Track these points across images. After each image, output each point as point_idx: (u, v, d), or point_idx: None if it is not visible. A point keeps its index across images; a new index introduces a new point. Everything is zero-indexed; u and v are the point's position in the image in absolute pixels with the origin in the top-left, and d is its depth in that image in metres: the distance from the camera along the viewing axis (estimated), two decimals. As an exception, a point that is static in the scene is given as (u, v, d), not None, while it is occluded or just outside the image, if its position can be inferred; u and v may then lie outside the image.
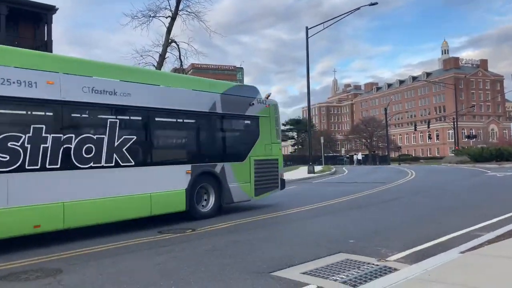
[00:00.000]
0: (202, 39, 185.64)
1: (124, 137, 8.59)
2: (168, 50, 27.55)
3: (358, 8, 28.25)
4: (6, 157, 6.93)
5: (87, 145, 7.96)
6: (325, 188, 19.31)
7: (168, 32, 27.16)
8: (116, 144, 8.44)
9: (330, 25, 29.27)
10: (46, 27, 25.83)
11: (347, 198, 14.10)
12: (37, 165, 7.27)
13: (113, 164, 8.35)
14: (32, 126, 7.26)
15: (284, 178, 12.84)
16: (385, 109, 68.99)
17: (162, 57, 27.01)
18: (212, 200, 10.50)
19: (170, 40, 27.43)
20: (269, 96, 12.65)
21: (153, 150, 9.33)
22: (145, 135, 9.20)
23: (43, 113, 7.56)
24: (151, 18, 27.34)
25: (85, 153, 7.91)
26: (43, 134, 7.39)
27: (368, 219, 9.82)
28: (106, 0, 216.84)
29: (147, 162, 9.12)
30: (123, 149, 8.56)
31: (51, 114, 7.60)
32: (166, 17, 27.45)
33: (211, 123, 10.76)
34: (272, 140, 12.15)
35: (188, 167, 9.90)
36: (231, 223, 9.41)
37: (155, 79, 9.74)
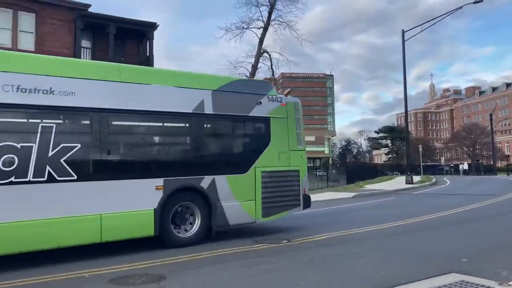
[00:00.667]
0: (292, 48, 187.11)
1: (62, 145, 6.97)
2: (260, 60, 28.06)
3: (461, 7, 26.38)
4: None
5: (8, 156, 6.51)
6: (427, 199, 18.13)
7: (260, 42, 27.67)
8: (50, 153, 6.85)
9: (428, 26, 27.74)
10: (148, 43, 27.63)
11: (454, 211, 13.04)
12: None
13: (44, 179, 6.74)
14: None
15: (308, 194, 10.10)
16: (490, 115, 63.79)
17: (255, 67, 27.56)
18: (197, 222, 8.42)
19: (262, 51, 27.93)
20: (289, 92, 10.94)
21: (105, 161, 7.47)
22: (93, 143, 7.38)
23: None
24: (244, 30, 28.11)
25: (3, 165, 6.46)
26: None
27: (481, 235, 8.93)
28: (201, 16, 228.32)
29: (95, 176, 7.27)
30: (60, 160, 6.93)
31: None
32: (259, 28, 28.04)
33: (195, 126, 8.62)
34: (291, 147, 9.77)
35: (158, 181, 7.89)
36: (323, 236, 9.06)
37: (114, 74, 7.82)
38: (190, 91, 8.59)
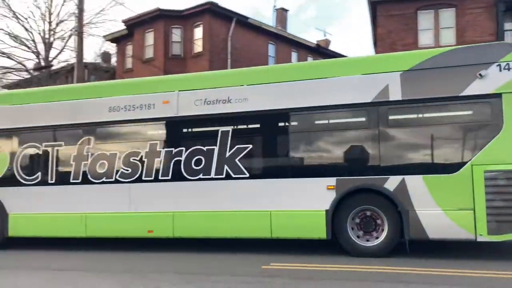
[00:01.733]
0: None
1: (237, 147, 8.01)
2: None
3: None
4: (128, 170, 8.72)
5: (197, 157, 8.27)
6: None
7: None
8: (228, 154, 8.07)
9: None
10: None
11: None
12: (152, 177, 8.54)
13: (223, 176, 8.04)
14: (149, 142, 8.69)
15: None
16: None
17: None
18: (385, 231, 7.28)
19: None
20: None
21: (273, 160, 8.02)
22: (265, 143, 8.02)
23: (159, 130, 8.72)
24: None
25: (195, 165, 8.25)
26: (157, 149, 8.61)
27: None
28: None
29: (265, 174, 7.90)
30: (235, 160, 7.97)
31: (165, 131, 8.68)
32: None
33: (375, 117, 7.42)
34: None
35: (329, 181, 7.43)
36: None
37: (279, 75, 8.13)
38: (370, 77, 7.59)
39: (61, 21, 26.56)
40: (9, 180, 9.60)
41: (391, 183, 7.25)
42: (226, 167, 8.14)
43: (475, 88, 7.07)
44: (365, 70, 7.73)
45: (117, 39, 28.52)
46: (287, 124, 8.00)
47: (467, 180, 6.93)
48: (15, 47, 26.45)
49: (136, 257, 8.36)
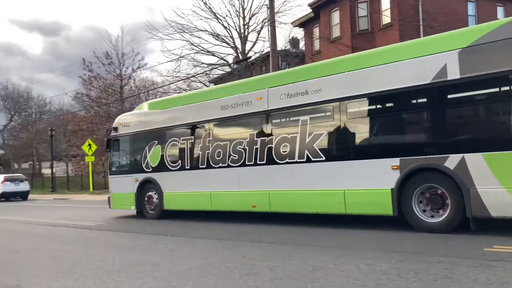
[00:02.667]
0: None
1: (314, 133, 9.05)
2: None
3: None
4: (236, 156, 10.42)
5: (283, 144, 9.61)
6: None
7: None
8: (307, 140, 9.13)
9: None
10: None
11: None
12: (252, 162, 10.15)
13: (304, 160, 9.16)
14: (249, 133, 10.32)
15: None
16: None
17: None
18: (449, 208, 7.48)
19: None
20: None
21: (344, 143, 8.88)
22: (337, 128, 8.85)
23: (255, 122, 10.32)
24: None
25: (282, 150, 9.57)
26: (255, 138, 10.18)
27: None
28: None
29: (338, 157, 8.82)
30: (313, 145, 9.02)
31: (258, 122, 10.23)
32: None
33: (433, 98, 7.56)
34: None
35: (394, 161, 7.91)
36: None
37: (345, 65, 8.91)
38: (426, 59, 7.69)
39: (253, 15, 28.63)
40: (162, 167, 12.26)
41: (451, 161, 7.31)
42: (306, 151, 9.20)
43: None
44: (424, 52, 7.82)
45: (304, 23, 29.29)
46: (355, 110, 8.66)
47: None
48: (217, 45, 29.61)
49: (337, 234, 8.54)
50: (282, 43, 30.43)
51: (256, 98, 10.20)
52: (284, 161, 9.59)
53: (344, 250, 6.84)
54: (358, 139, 8.77)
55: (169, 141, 12.16)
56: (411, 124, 8.34)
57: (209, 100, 11.44)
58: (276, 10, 22.32)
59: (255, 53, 29.32)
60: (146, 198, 12.76)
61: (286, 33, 44.12)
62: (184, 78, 28.38)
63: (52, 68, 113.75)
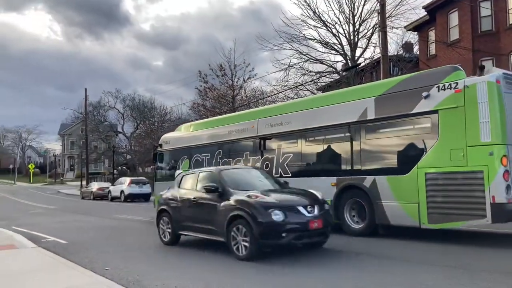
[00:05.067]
0: None
1: (285, 155, 11.79)
2: None
3: None
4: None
5: (266, 162, 12.26)
6: None
7: None
8: (280, 160, 11.86)
9: None
10: None
11: None
12: None
13: (278, 175, 11.40)
14: (244, 152, 13.10)
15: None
16: None
17: None
18: (367, 217, 9.68)
19: None
20: (482, 69, 8.16)
21: (301, 165, 11.40)
22: (298, 152, 11.49)
23: (248, 144, 13.03)
24: None
25: (265, 167, 12.23)
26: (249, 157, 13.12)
27: None
28: None
29: (298, 174, 11.28)
30: (284, 164, 11.70)
31: (251, 144, 12.91)
32: None
33: (358, 132, 10.10)
34: (470, 142, 7.92)
35: (333, 179, 10.42)
36: None
37: (308, 104, 11.82)
38: (356, 102, 10.13)
39: (363, 21, 27.95)
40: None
41: (367, 181, 9.64)
42: (280, 169, 11.88)
43: (421, 106, 8.78)
44: (355, 97, 10.37)
45: (418, 27, 27.81)
46: (310, 139, 11.36)
47: (414, 180, 8.69)
48: (326, 52, 29.45)
49: (457, 251, 7.87)
50: (394, 48, 29.27)
51: (251, 126, 13.11)
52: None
53: (460, 270, 6.32)
54: (311, 161, 11.44)
55: (194, 156, 15.22)
56: (344, 151, 10.55)
57: (219, 126, 14.72)
58: (387, 15, 21.53)
59: (365, 59, 28.59)
60: None
61: (398, 38, 42.28)
62: (292, 87, 28.70)
63: (172, 80, 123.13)
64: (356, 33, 28.17)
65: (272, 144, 12.29)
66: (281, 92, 29.64)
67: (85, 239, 11.35)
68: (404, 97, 9.17)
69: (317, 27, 28.37)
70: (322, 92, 31.64)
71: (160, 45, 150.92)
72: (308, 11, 28.04)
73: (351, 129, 10.24)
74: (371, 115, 9.75)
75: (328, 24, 28.06)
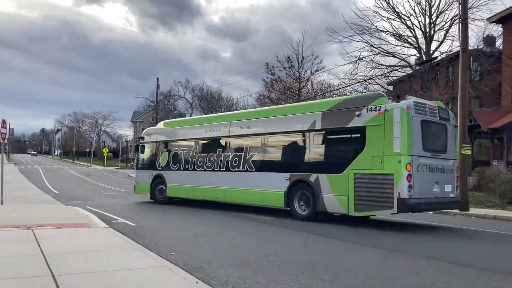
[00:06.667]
0: None
1: (251, 153, 14.26)
2: None
3: None
4: (209, 164, 15.67)
5: (235, 158, 14.78)
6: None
7: None
8: (247, 157, 14.36)
9: None
10: None
11: None
12: (218, 168, 15.39)
13: (245, 170, 14.36)
14: (217, 149, 15.48)
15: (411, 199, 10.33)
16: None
17: None
18: (311, 206, 12.30)
19: None
20: (399, 98, 11.00)
21: (263, 162, 13.95)
22: (260, 151, 14.07)
23: (221, 142, 15.49)
24: None
25: (234, 162, 14.73)
26: (221, 153, 15.39)
27: None
28: None
29: (260, 169, 13.93)
30: (249, 160, 14.23)
31: (224, 142, 15.41)
32: None
33: (308, 138, 12.71)
34: (386, 152, 10.69)
35: (287, 175, 12.95)
36: None
37: (271, 113, 14.80)
38: (308, 114, 12.85)
39: (441, 12, 26.44)
40: (167, 167, 17.40)
41: (313, 177, 12.26)
42: (246, 164, 14.29)
43: (354, 122, 11.51)
44: (307, 110, 13.14)
45: (503, 18, 25.77)
46: (270, 141, 13.85)
47: (346, 178, 11.41)
48: (399, 45, 28.22)
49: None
50: (473, 42, 27.38)
51: (224, 127, 15.44)
52: (234, 170, 14.69)
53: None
54: (271, 159, 13.93)
55: (173, 149, 17.34)
56: (297, 152, 13.14)
57: (197, 125, 17.15)
58: (469, 6, 20.12)
59: (441, 53, 27.09)
60: (158, 189, 17.66)
61: (479, 31, 39.50)
62: (362, 80, 27.84)
63: (239, 71, 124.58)
64: (432, 25, 26.74)
65: (241, 143, 14.73)
66: (349, 86, 28.88)
67: (152, 222, 11.76)
68: (343, 114, 11.83)
69: (390, 18, 27.31)
70: (393, 87, 30.41)
71: (229, 37, 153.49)
72: (382, 2, 27.04)
73: (303, 135, 12.94)
74: (318, 126, 12.46)
75: (402, 16, 26.91)
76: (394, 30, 27.40)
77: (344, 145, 11.88)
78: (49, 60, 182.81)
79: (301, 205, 12.63)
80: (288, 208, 12.94)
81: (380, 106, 10.96)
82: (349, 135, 11.66)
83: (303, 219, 12.27)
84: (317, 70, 36.41)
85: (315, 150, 12.47)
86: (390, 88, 30.84)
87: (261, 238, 9.64)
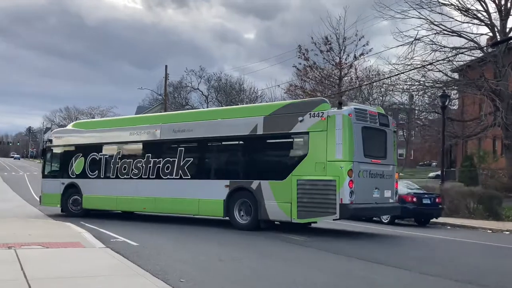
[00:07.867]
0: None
1: (186, 159, 15.56)
2: None
3: None
4: (136, 171, 16.87)
5: (167, 165, 16.06)
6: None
7: None
8: (181, 163, 15.63)
9: None
10: None
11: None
12: (146, 176, 16.66)
13: (179, 177, 15.66)
14: (146, 154, 16.77)
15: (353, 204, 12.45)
16: None
17: None
18: (252, 214, 13.90)
19: None
20: (341, 104, 13.13)
21: (200, 168, 15.66)
22: (196, 157, 15.69)
23: (150, 147, 16.86)
24: None
25: (166, 169, 16.05)
26: (150, 159, 16.71)
27: None
28: None
29: (196, 176, 15.37)
30: (184, 167, 15.54)
31: (153, 147, 16.81)
32: None
33: (249, 144, 14.62)
34: (329, 158, 12.63)
35: (226, 182, 14.41)
36: None
37: (209, 116, 16.78)
38: (250, 119, 14.57)
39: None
40: (83, 175, 18.12)
41: (254, 184, 13.94)
42: (180, 171, 15.55)
43: (297, 127, 13.35)
44: (249, 114, 15.09)
45: None
46: (209, 146, 15.65)
47: (289, 185, 13.22)
48: (466, 22, 27.65)
49: None
50: None
51: (154, 130, 16.63)
52: (166, 177, 15.85)
53: None
54: (209, 165, 15.73)
55: (90, 155, 18.05)
56: (237, 158, 15.19)
57: (120, 127, 18.14)
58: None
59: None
60: (71, 200, 18.36)
61: None
62: (419, 66, 27.42)
63: (265, 57, 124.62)
64: (510, -3, 26.14)
65: (174, 148, 16.08)
66: (403, 73, 28.51)
67: (157, 241, 11.86)
68: (286, 118, 13.67)
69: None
70: (459, 74, 29.86)
71: (253, 14, 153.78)
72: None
73: (244, 141, 14.77)
74: (260, 131, 14.11)
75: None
76: (460, 3, 26.93)
77: (286, 150, 13.99)
78: (34, 45, 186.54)
79: (242, 215, 14.25)
80: (227, 218, 14.56)
81: (323, 112, 12.91)
82: (292, 141, 13.82)
83: (243, 229, 13.93)
84: (362, 54, 36.30)
85: (256, 156, 14.51)
86: (455, 75, 30.26)
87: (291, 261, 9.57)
